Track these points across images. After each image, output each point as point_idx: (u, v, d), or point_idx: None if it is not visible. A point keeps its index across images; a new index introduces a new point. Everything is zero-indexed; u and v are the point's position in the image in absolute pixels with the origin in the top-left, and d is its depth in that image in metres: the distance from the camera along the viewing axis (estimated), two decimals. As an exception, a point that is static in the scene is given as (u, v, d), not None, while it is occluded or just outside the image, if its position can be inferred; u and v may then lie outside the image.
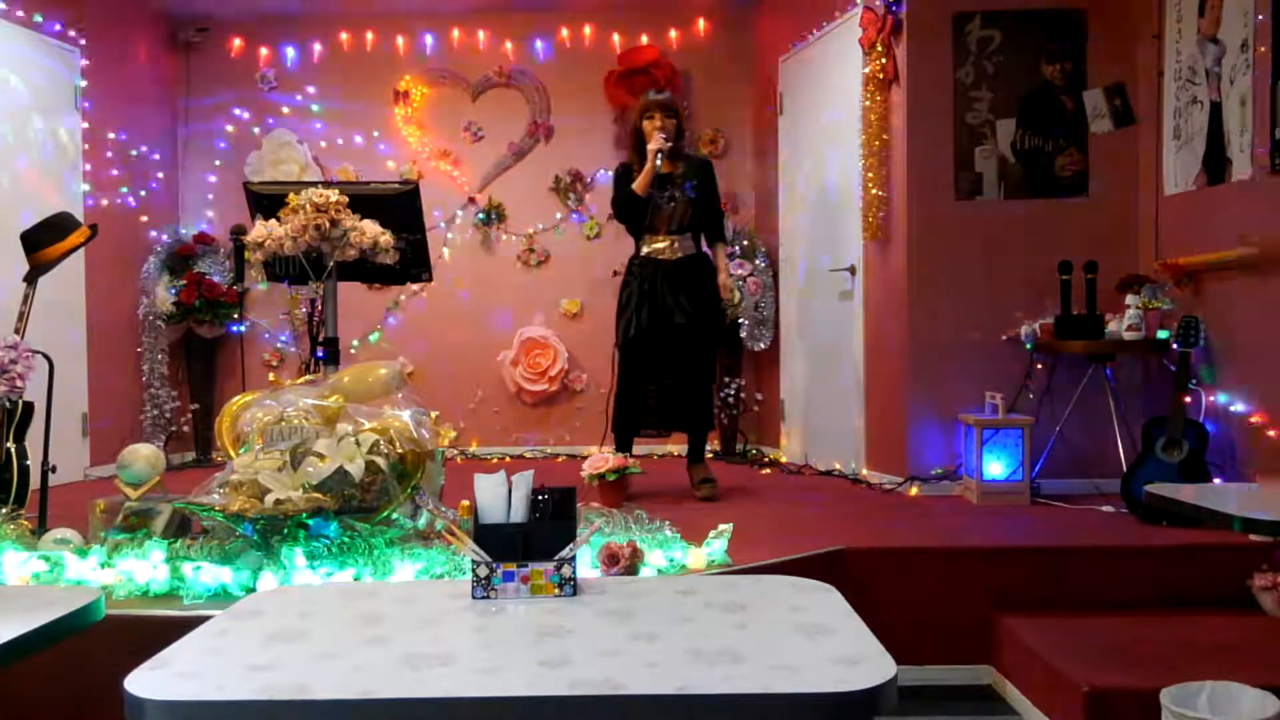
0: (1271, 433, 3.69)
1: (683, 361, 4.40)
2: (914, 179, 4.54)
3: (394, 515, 3.15)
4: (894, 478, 4.64)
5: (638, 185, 4.35)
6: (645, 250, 4.46)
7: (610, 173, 6.14)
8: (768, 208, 6.01)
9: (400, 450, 3.13)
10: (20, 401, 3.56)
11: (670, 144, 4.36)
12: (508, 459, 5.95)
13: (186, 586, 2.85)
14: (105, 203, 5.54)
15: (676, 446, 5.71)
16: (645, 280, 4.41)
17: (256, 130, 6.19)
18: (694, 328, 4.38)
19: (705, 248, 4.57)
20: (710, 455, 5.87)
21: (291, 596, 1.95)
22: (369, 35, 6.21)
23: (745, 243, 5.81)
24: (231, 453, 3.33)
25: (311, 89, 6.21)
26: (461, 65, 6.23)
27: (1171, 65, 4.27)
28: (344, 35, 6.21)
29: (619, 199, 4.46)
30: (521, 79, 6.25)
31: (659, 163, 4.33)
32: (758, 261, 5.80)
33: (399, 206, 3.81)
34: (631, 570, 2.88)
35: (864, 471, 4.90)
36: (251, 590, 2.79)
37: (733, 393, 5.89)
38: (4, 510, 3.36)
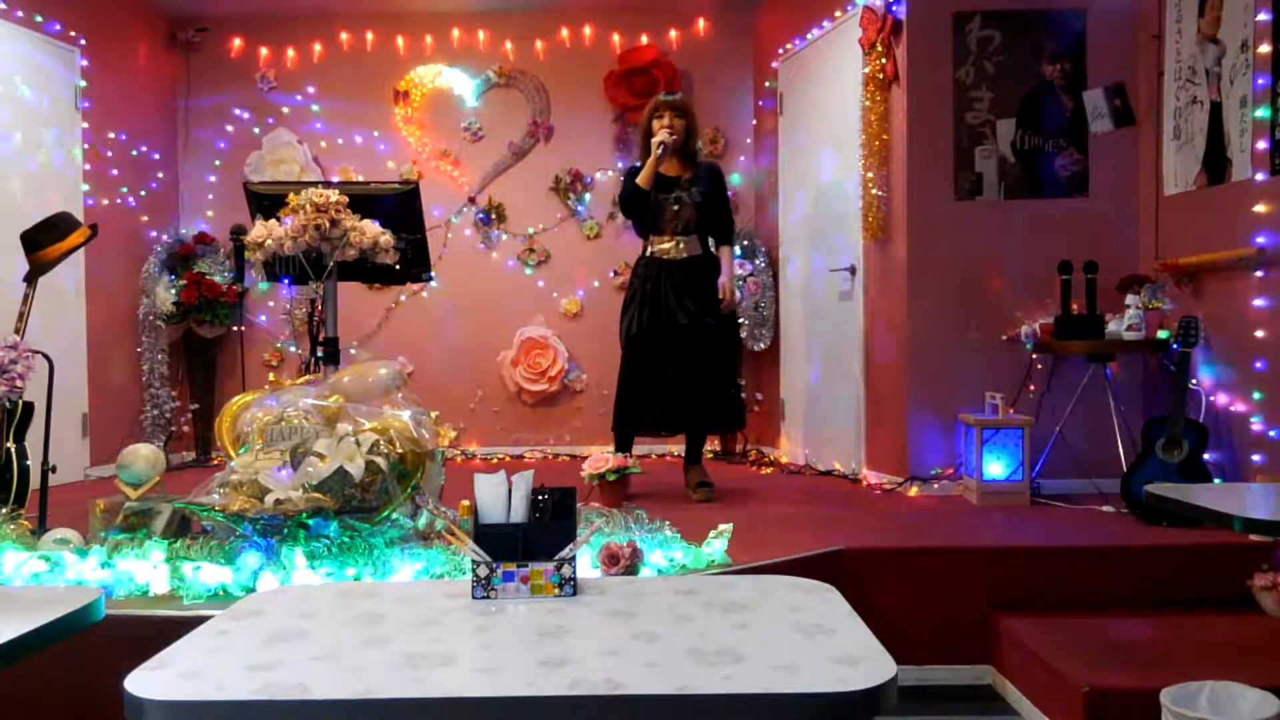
0: (1272, 433, 3.69)
1: (691, 362, 4.38)
2: (914, 179, 4.54)
3: (394, 515, 3.15)
4: (894, 478, 4.64)
5: (641, 177, 4.35)
6: (651, 250, 4.46)
7: (609, 174, 6.21)
8: (768, 208, 6.01)
9: (400, 450, 3.13)
10: (20, 401, 3.56)
11: (676, 140, 4.35)
12: (508, 459, 5.95)
13: (186, 586, 2.85)
14: (105, 203, 5.54)
15: (676, 446, 5.70)
16: (649, 280, 4.40)
17: (256, 130, 6.20)
18: (697, 328, 4.36)
19: (714, 249, 4.56)
20: (710, 455, 5.89)
21: (291, 596, 1.95)
22: (369, 35, 6.21)
23: (745, 243, 5.81)
24: (231, 453, 3.33)
25: (311, 89, 6.21)
26: (462, 65, 6.23)
27: (1171, 65, 4.27)
28: (344, 35, 6.21)
29: (624, 193, 4.47)
30: (521, 79, 6.25)
31: (661, 153, 4.32)
32: (758, 261, 5.80)
33: (399, 206, 3.80)
34: (631, 570, 2.88)
35: (864, 471, 4.90)
36: (251, 590, 2.79)
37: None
38: (4, 510, 3.36)
